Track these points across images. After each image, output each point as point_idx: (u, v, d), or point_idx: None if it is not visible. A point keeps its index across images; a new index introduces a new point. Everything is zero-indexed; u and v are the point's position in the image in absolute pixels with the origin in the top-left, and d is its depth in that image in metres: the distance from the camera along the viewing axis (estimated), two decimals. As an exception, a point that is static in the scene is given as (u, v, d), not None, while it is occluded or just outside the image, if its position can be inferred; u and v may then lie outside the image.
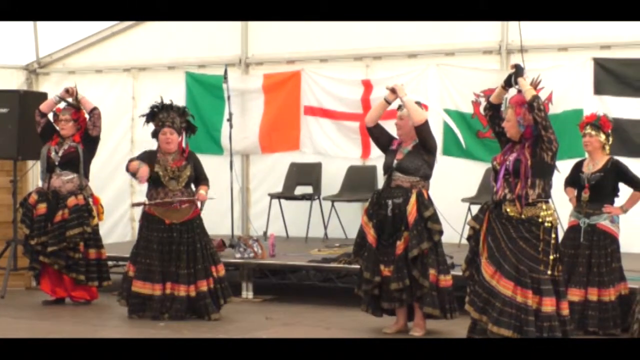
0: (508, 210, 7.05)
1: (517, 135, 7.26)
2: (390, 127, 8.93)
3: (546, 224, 7.04)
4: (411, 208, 8.46)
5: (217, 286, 9.42)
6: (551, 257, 7.05)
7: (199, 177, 9.56)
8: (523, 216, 7.04)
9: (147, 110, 9.54)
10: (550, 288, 7.01)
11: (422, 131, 8.57)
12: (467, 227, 11.04)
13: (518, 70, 7.27)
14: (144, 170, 9.22)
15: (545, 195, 7.13)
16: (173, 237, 9.35)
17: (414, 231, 8.43)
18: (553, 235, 7.09)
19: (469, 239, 7.33)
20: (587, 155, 8.98)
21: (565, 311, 7.10)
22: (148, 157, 9.40)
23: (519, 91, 7.29)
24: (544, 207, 7.10)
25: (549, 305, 6.98)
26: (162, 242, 9.35)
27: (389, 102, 8.78)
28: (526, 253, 6.99)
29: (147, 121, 9.55)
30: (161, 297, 9.32)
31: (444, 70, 12.19)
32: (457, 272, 9.33)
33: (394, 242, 8.53)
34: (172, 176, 9.35)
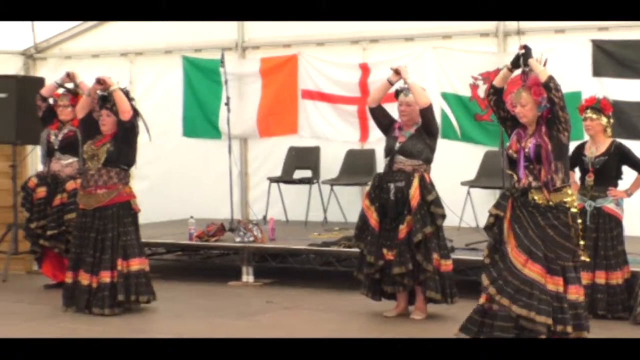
0: (535, 198, 6.93)
1: (534, 118, 7.06)
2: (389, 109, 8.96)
3: (572, 210, 6.95)
4: (414, 192, 8.44)
5: (119, 280, 8.82)
6: (581, 242, 7.01)
7: None
8: (551, 203, 6.93)
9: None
10: (575, 275, 6.96)
11: (427, 114, 8.55)
12: (467, 212, 11.28)
13: (528, 51, 7.08)
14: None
15: (567, 179, 7.03)
16: (86, 222, 8.96)
17: (417, 215, 8.42)
18: (580, 221, 7.01)
19: (489, 227, 7.17)
20: (588, 138, 8.93)
21: (582, 297, 7.04)
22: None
23: (524, 73, 7.15)
24: (569, 192, 7.01)
25: (574, 293, 6.93)
26: (79, 227, 9.04)
27: (392, 83, 8.74)
28: (554, 241, 6.90)
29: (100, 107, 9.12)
30: (71, 286, 9.01)
31: (440, 54, 12.15)
32: (457, 255, 9.39)
33: (396, 226, 8.51)
34: (91, 155, 8.99)
